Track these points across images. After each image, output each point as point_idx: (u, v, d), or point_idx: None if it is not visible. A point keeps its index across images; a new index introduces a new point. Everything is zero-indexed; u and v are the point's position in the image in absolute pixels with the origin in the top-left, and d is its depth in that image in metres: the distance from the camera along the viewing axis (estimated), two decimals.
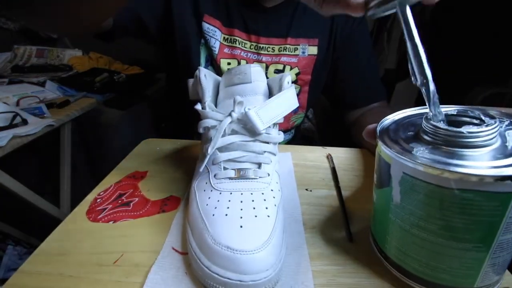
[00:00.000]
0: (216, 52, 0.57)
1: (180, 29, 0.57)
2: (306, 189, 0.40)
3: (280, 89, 0.34)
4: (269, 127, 0.32)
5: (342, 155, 0.49)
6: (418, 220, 0.22)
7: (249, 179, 0.30)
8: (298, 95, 0.62)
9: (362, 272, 0.28)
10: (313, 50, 0.59)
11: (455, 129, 0.22)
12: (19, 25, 1.37)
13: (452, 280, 0.23)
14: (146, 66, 1.46)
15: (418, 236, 0.23)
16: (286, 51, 0.58)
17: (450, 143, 0.22)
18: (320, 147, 0.52)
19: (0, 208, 1.00)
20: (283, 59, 0.58)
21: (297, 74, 0.60)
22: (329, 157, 0.48)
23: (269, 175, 0.31)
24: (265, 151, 0.32)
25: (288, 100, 0.33)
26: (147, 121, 1.28)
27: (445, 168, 0.19)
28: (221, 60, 0.57)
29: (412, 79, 0.23)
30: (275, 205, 0.29)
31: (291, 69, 0.59)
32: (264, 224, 0.26)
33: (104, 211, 0.35)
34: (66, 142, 1.04)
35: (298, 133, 0.73)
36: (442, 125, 0.22)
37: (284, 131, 0.67)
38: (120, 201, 0.37)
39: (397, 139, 0.24)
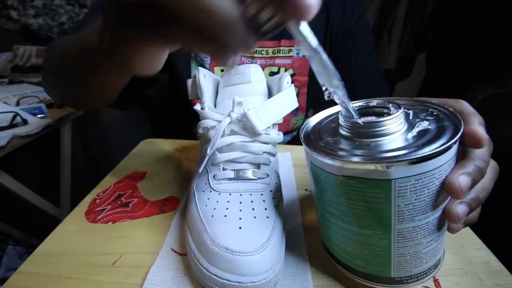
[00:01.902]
0: (208, 62, 0.57)
1: None
2: (306, 190, 0.40)
3: (279, 89, 0.34)
4: (269, 127, 0.32)
5: None
6: (327, 206, 0.24)
7: (248, 180, 0.30)
8: (296, 97, 0.62)
9: None
10: None
11: (353, 120, 0.22)
12: (19, 25, 1.37)
13: (368, 268, 0.23)
14: None
15: (331, 221, 0.24)
16: (280, 53, 0.58)
17: (356, 133, 0.22)
18: None
19: (0, 208, 1.00)
20: (277, 61, 0.58)
21: (292, 75, 0.59)
22: None
23: (268, 175, 0.31)
24: (264, 152, 0.32)
25: (287, 100, 0.33)
26: (147, 121, 1.28)
27: (329, 155, 0.21)
28: (215, 68, 0.57)
29: (325, 93, 0.22)
30: (274, 206, 0.28)
31: (285, 70, 0.59)
32: (263, 225, 0.26)
33: (103, 212, 0.35)
34: (66, 142, 1.04)
35: (298, 133, 0.73)
36: (344, 118, 0.23)
37: (286, 133, 0.66)
38: (119, 202, 0.37)
39: (318, 132, 0.25)
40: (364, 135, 0.22)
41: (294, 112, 0.64)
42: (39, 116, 0.89)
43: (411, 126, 0.22)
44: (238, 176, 0.30)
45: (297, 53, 0.58)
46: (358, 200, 0.21)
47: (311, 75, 0.61)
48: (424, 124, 0.22)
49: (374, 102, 0.25)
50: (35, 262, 0.28)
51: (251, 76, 0.34)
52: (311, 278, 0.27)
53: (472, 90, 1.03)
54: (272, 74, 0.58)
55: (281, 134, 0.34)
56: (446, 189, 0.20)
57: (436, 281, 0.27)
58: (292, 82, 0.59)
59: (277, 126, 0.36)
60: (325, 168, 0.22)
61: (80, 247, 0.30)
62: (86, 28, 0.33)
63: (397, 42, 1.35)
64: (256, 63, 0.58)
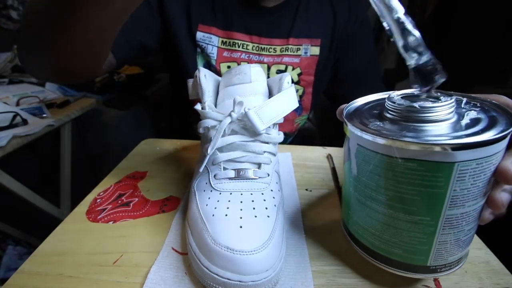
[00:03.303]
0: (215, 58, 0.57)
1: (175, 42, 0.57)
2: (306, 189, 0.40)
3: (279, 89, 0.34)
4: (269, 127, 0.32)
5: (342, 155, 0.49)
6: (371, 191, 0.23)
7: (249, 179, 0.30)
8: (302, 97, 0.62)
9: (362, 273, 0.28)
10: (315, 50, 0.59)
11: (409, 103, 0.22)
12: (19, 25, 1.37)
13: (405, 256, 0.23)
14: (146, 66, 1.46)
15: (372, 208, 0.24)
16: (288, 51, 0.58)
17: (407, 118, 0.22)
18: (320, 147, 0.52)
19: (0, 208, 1.00)
20: (285, 59, 0.58)
21: (299, 75, 0.60)
22: (329, 157, 0.48)
23: (269, 175, 0.31)
24: (265, 151, 0.32)
25: (288, 100, 0.33)
26: (147, 121, 1.28)
27: (389, 137, 0.20)
28: (221, 64, 0.57)
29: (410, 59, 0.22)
30: (275, 205, 0.28)
31: (293, 69, 0.59)
32: (264, 224, 0.26)
33: (104, 211, 0.35)
34: (66, 142, 1.04)
35: (298, 133, 0.73)
36: (398, 100, 0.23)
37: (289, 134, 0.66)
38: (120, 201, 0.37)
39: (360, 116, 0.25)
40: (415, 120, 0.22)
41: (299, 112, 0.64)
42: (39, 116, 0.89)
43: (460, 115, 0.23)
44: (239, 176, 0.30)
45: (305, 52, 0.58)
46: (412, 184, 0.20)
47: (318, 75, 0.61)
48: (473, 113, 0.22)
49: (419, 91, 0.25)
50: (35, 262, 0.28)
51: (252, 76, 0.34)
52: (312, 277, 0.27)
53: (472, 89, 1.03)
54: (279, 72, 0.58)
55: (281, 133, 0.34)
56: (500, 176, 0.20)
57: (436, 280, 0.27)
58: (299, 81, 0.60)
59: (277, 125, 0.36)
60: (378, 150, 0.21)
61: (80, 246, 0.30)
62: None
63: None
64: (263, 61, 0.58)
